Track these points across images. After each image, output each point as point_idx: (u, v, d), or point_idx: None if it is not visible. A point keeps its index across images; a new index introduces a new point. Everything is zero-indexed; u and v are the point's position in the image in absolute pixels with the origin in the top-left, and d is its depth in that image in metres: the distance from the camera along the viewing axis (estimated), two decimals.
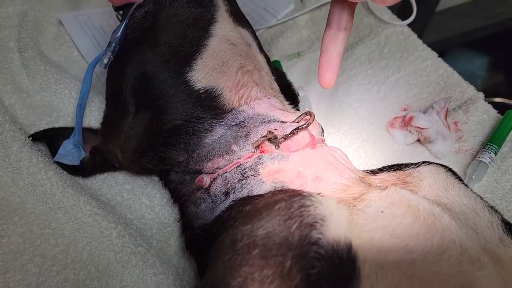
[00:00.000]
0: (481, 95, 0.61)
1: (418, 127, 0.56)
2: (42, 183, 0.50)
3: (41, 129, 0.58)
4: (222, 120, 0.47)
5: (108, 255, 0.48)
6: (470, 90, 0.62)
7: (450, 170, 0.46)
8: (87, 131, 0.58)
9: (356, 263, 0.31)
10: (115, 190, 0.56)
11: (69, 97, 0.62)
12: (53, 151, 0.56)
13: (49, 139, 0.57)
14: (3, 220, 0.48)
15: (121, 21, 0.52)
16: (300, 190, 0.38)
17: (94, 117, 0.61)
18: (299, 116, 0.46)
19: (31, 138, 0.55)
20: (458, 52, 0.80)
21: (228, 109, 0.47)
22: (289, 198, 0.34)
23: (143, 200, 0.56)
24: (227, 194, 0.44)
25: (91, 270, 0.47)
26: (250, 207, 0.39)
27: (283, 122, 0.46)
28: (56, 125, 0.60)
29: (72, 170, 0.55)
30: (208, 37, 0.49)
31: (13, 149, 0.52)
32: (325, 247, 0.30)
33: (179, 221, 0.52)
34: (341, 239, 0.32)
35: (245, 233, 0.34)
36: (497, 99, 0.70)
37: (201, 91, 0.47)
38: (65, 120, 0.61)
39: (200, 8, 0.49)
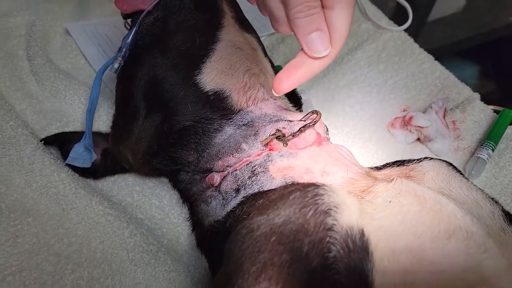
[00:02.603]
0: (477, 95, 0.63)
1: (418, 126, 0.58)
2: (55, 184, 0.52)
3: (52, 133, 0.60)
4: (231, 120, 0.49)
5: (120, 254, 0.49)
6: (466, 91, 0.64)
7: (451, 164, 0.48)
8: (96, 134, 0.60)
9: (369, 247, 0.32)
10: (126, 192, 0.57)
11: (78, 102, 0.63)
12: (64, 155, 0.57)
13: (60, 143, 0.59)
14: (18, 220, 0.48)
15: (131, 27, 0.53)
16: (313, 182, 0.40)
17: (102, 122, 0.63)
18: (306, 115, 0.48)
19: (42, 142, 0.56)
20: (449, 60, 0.83)
21: (237, 109, 0.49)
22: (303, 188, 0.35)
23: (153, 201, 0.57)
24: (237, 190, 0.46)
25: (104, 268, 0.48)
26: (263, 200, 0.40)
27: (290, 121, 0.48)
28: (66, 130, 0.61)
29: (83, 172, 0.56)
30: (216, 42, 0.50)
31: (26, 152, 0.53)
32: (340, 233, 0.32)
33: (188, 220, 0.53)
34: (354, 225, 0.33)
35: (261, 222, 0.35)
36: (490, 107, 0.72)
37: (210, 93, 0.49)
38: (75, 125, 0.62)
39: (208, 14, 0.51)
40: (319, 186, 0.35)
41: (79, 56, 0.72)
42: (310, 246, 0.31)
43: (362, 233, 0.33)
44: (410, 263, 0.32)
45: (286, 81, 0.36)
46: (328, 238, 0.31)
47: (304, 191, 0.35)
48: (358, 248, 0.32)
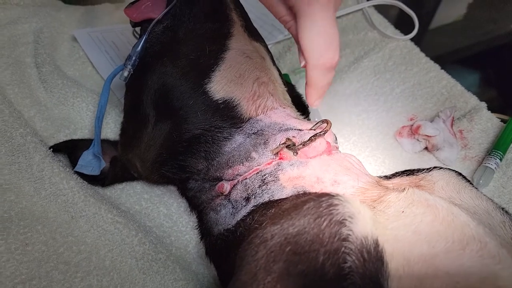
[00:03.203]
0: (483, 104, 0.64)
1: (426, 135, 0.58)
2: (64, 192, 0.52)
3: (60, 141, 0.60)
4: (241, 129, 0.49)
5: (129, 262, 0.49)
6: (473, 100, 0.64)
7: (460, 174, 0.48)
8: (104, 142, 0.60)
9: (384, 257, 0.32)
10: (134, 199, 0.57)
11: (86, 110, 0.63)
12: (73, 162, 0.57)
13: (69, 150, 0.59)
14: (27, 228, 0.48)
15: (140, 36, 0.54)
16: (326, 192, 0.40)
17: (110, 129, 0.63)
18: (316, 124, 0.48)
19: (51, 149, 0.56)
20: (450, 69, 0.83)
21: (246, 118, 0.49)
22: (317, 198, 0.35)
23: (161, 209, 0.57)
24: (247, 199, 0.46)
25: (113, 277, 0.48)
26: (275, 209, 0.40)
27: (300, 130, 0.48)
28: (74, 137, 0.62)
29: (91, 180, 0.56)
30: (225, 51, 0.51)
31: (35, 159, 0.53)
32: (355, 243, 0.32)
33: (197, 229, 0.53)
34: (368, 235, 0.33)
35: (275, 232, 0.35)
36: (495, 115, 0.72)
37: (220, 102, 0.49)
38: (83, 132, 0.62)
39: (217, 23, 0.51)
40: (333, 196, 0.35)
41: (86, 63, 0.72)
42: (326, 256, 0.31)
43: (376, 243, 0.33)
44: (425, 273, 0.32)
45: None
46: (343, 249, 0.31)
47: (318, 201, 0.35)
48: (373, 258, 0.32)
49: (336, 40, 0.36)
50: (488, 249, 0.34)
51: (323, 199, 0.35)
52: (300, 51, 0.38)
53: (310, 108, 0.66)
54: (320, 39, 0.36)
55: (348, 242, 0.32)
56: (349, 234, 0.32)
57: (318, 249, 0.32)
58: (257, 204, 0.44)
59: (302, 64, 0.39)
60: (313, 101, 0.42)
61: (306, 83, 0.41)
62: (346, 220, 0.33)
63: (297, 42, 0.38)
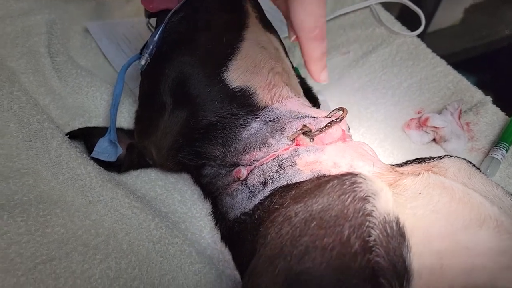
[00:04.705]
0: (489, 98, 0.65)
1: (434, 127, 0.60)
2: (81, 177, 0.52)
3: (75, 128, 0.61)
4: (257, 116, 0.50)
5: (147, 246, 0.50)
6: (478, 94, 0.66)
7: (470, 162, 0.50)
8: (119, 130, 0.61)
9: (405, 233, 0.34)
10: (149, 186, 0.58)
11: (100, 99, 0.64)
12: (89, 149, 0.58)
13: (85, 137, 0.59)
14: (46, 211, 0.49)
15: (157, 25, 0.55)
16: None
17: (124, 118, 0.64)
18: (332, 112, 0.50)
19: (67, 136, 0.57)
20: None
21: (262, 106, 0.50)
22: (341, 177, 0.37)
23: (175, 196, 0.58)
24: (265, 184, 0.47)
25: (131, 259, 0.49)
26: (295, 191, 0.42)
27: (315, 117, 0.50)
28: (89, 125, 0.62)
29: (107, 166, 0.57)
30: (241, 41, 0.52)
31: (53, 145, 0.54)
32: (378, 218, 0.33)
33: (211, 215, 0.54)
34: (390, 212, 0.34)
35: (299, 210, 0.36)
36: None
37: (236, 90, 0.50)
38: (97, 120, 0.63)
39: (233, 14, 0.53)
40: (356, 175, 0.37)
41: (98, 54, 0.73)
42: (351, 230, 0.32)
43: (397, 220, 0.34)
44: (446, 248, 0.33)
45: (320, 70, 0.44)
46: (367, 223, 0.33)
47: (342, 179, 0.36)
48: (396, 233, 0.33)
49: (324, 17, 0.40)
50: (505, 226, 0.35)
51: (347, 177, 0.36)
52: (290, 26, 0.42)
53: (320, 100, 0.67)
54: (310, 19, 0.40)
55: (372, 217, 0.33)
56: (373, 210, 0.34)
57: (344, 223, 0.33)
58: (275, 188, 0.45)
59: (292, 38, 0.44)
60: (318, 74, 0.45)
61: (304, 61, 0.44)
62: (369, 196, 0.35)
63: (286, 18, 0.42)
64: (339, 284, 0.30)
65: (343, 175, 0.37)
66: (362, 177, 0.36)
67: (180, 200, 0.58)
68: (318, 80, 0.45)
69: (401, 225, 0.34)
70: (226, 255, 0.53)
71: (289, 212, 0.37)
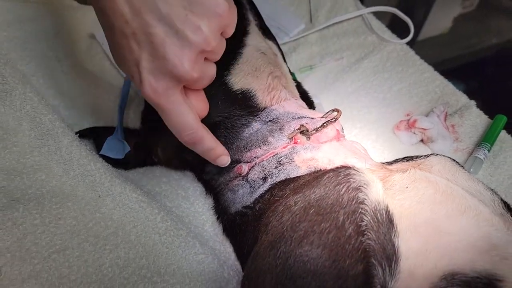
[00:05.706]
0: (473, 102, 0.70)
1: (422, 128, 0.64)
2: (91, 173, 0.55)
3: (85, 128, 0.64)
4: (258, 117, 0.54)
5: (153, 237, 0.53)
6: (463, 99, 0.71)
7: (454, 160, 0.54)
8: (126, 129, 0.64)
9: (394, 220, 0.38)
10: (154, 182, 0.61)
11: (108, 100, 0.68)
12: (97, 147, 0.61)
13: (94, 135, 0.63)
14: (59, 204, 0.52)
15: None
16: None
17: (130, 119, 0.67)
18: (327, 113, 0.54)
19: (78, 134, 0.60)
20: None
21: (262, 107, 0.54)
22: (336, 169, 0.41)
23: (179, 191, 0.61)
24: (265, 179, 0.50)
25: (139, 250, 0.52)
26: (294, 184, 0.45)
27: (312, 118, 0.53)
28: (98, 125, 0.65)
29: (114, 163, 0.60)
30: (243, 47, 0.56)
31: (64, 143, 0.56)
32: (370, 206, 0.37)
33: (213, 209, 0.58)
34: (380, 201, 0.38)
35: (298, 199, 0.40)
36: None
37: (238, 92, 0.54)
38: (105, 121, 0.66)
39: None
40: (349, 167, 0.41)
41: (104, 59, 0.76)
42: (345, 216, 0.36)
43: (387, 208, 0.38)
44: (429, 234, 0.37)
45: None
46: (360, 210, 0.37)
47: (337, 172, 0.40)
48: (385, 220, 0.37)
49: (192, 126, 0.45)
50: (483, 215, 0.39)
51: (341, 170, 0.40)
52: None
53: (315, 103, 0.71)
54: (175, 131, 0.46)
55: (364, 205, 0.37)
56: (365, 198, 0.37)
57: (339, 210, 0.37)
58: (274, 183, 0.49)
59: None
60: (214, 162, 0.50)
61: None
62: (362, 187, 0.38)
63: None
64: (334, 265, 0.34)
65: (338, 168, 0.41)
66: (355, 170, 0.40)
67: (184, 195, 0.61)
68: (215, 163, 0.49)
69: (390, 213, 0.38)
70: (227, 246, 0.56)
71: (289, 202, 0.40)
